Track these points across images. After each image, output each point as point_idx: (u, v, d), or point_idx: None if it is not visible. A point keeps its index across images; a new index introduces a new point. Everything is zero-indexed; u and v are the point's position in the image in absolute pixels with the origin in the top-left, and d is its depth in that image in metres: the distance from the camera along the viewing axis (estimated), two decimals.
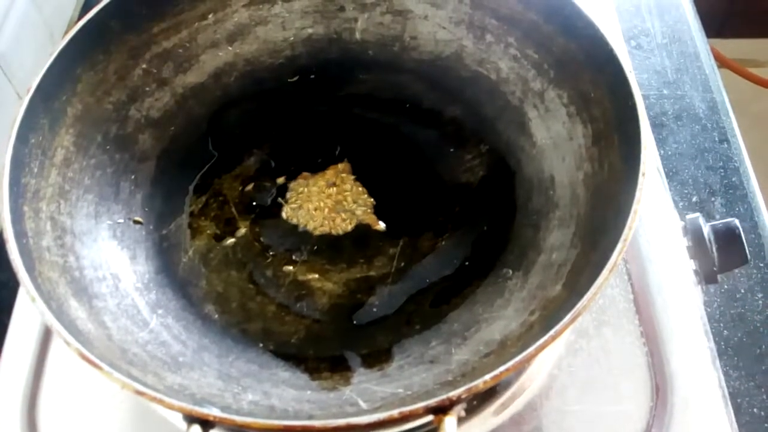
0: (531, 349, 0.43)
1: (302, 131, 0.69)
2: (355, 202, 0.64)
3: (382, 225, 0.63)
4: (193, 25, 0.67)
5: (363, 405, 0.50)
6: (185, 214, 0.64)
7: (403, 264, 0.61)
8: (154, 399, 0.42)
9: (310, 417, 0.49)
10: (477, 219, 0.63)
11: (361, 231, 0.63)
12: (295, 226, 0.63)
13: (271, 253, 0.62)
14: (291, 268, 0.61)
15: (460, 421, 0.43)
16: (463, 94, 0.68)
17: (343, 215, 0.64)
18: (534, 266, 0.57)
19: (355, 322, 0.58)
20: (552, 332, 0.43)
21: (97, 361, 0.44)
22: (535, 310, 0.53)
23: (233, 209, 0.65)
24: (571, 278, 0.52)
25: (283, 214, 0.64)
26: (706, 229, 0.62)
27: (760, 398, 0.60)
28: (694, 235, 0.62)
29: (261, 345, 0.56)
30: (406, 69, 0.70)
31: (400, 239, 0.62)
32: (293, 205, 0.64)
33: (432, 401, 0.41)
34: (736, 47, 1.43)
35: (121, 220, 0.61)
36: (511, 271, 0.58)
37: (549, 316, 0.50)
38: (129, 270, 0.58)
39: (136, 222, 0.62)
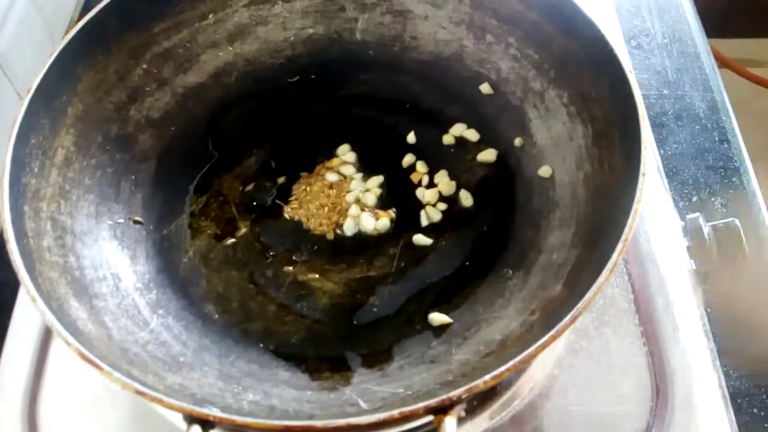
0: (531, 349, 0.43)
1: (302, 131, 0.69)
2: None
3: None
4: (193, 25, 0.67)
5: (363, 405, 0.50)
6: (186, 214, 0.64)
7: (403, 264, 0.61)
8: (154, 399, 0.42)
9: (311, 417, 0.49)
10: (477, 219, 0.63)
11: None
12: (296, 226, 0.63)
13: (271, 253, 0.62)
14: (291, 268, 0.61)
15: (461, 421, 0.43)
16: (463, 94, 0.68)
17: (343, 215, 0.64)
18: (534, 266, 0.57)
19: (355, 322, 0.58)
20: (552, 332, 0.43)
21: (97, 361, 0.44)
22: (535, 310, 0.53)
23: (233, 209, 0.65)
24: (572, 278, 0.52)
25: (285, 214, 0.64)
26: (707, 229, 0.62)
27: (760, 398, 0.60)
28: (695, 234, 0.62)
29: (261, 345, 0.56)
30: (407, 69, 0.70)
31: (401, 239, 0.62)
32: (294, 205, 0.64)
33: (432, 401, 0.41)
34: (737, 47, 1.43)
35: (122, 220, 0.61)
36: (511, 271, 0.58)
37: (549, 316, 0.50)
38: (129, 270, 0.58)
39: (136, 222, 0.62)
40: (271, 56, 0.71)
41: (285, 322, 0.58)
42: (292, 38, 0.71)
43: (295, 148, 0.68)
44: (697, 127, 0.77)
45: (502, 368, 0.42)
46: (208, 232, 0.63)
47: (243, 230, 0.63)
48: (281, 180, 0.66)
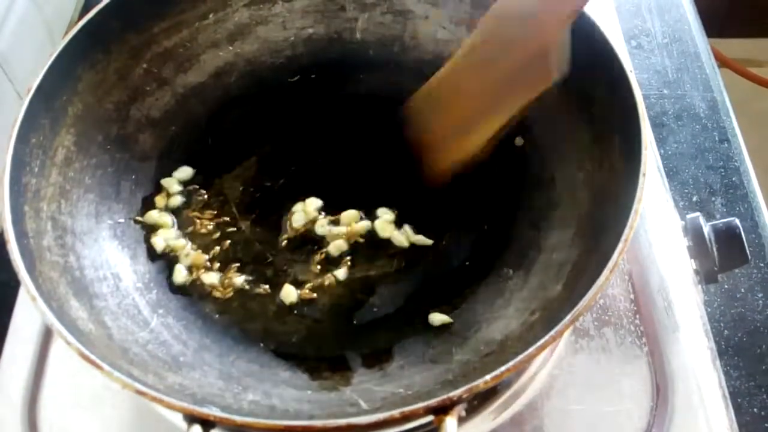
0: (532, 349, 0.43)
1: (303, 131, 0.69)
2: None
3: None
4: (193, 25, 0.67)
5: (363, 405, 0.50)
6: (185, 213, 0.64)
7: (403, 264, 0.61)
8: (154, 399, 0.42)
9: (311, 417, 0.49)
10: (477, 219, 0.62)
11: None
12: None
13: (271, 252, 0.62)
14: (291, 267, 0.61)
15: (461, 420, 0.43)
16: None
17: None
18: (534, 266, 0.57)
19: (355, 322, 0.58)
20: (553, 332, 0.43)
21: (97, 361, 0.44)
22: (535, 310, 0.53)
23: (234, 209, 0.65)
24: (572, 278, 0.52)
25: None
26: (707, 229, 0.62)
27: (760, 398, 0.60)
28: (695, 234, 0.62)
29: (261, 345, 0.56)
30: (407, 69, 0.70)
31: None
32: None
33: (432, 401, 0.41)
34: (737, 47, 1.43)
35: (122, 220, 0.61)
36: (511, 271, 0.58)
37: (550, 316, 0.50)
38: (129, 270, 0.59)
39: (136, 221, 0.62)
40: (271, 56, 0.71)
41: (285, 322, 0.58)
42: (293, 38, 0.71)
43: (295, 147, 0.68)
44: (697, 126, 0.78)
45: (503, 368, 0.42)
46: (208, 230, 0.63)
47: (243, 230, 0.63)
48: (281, 180, 0.66)
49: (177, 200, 0.64)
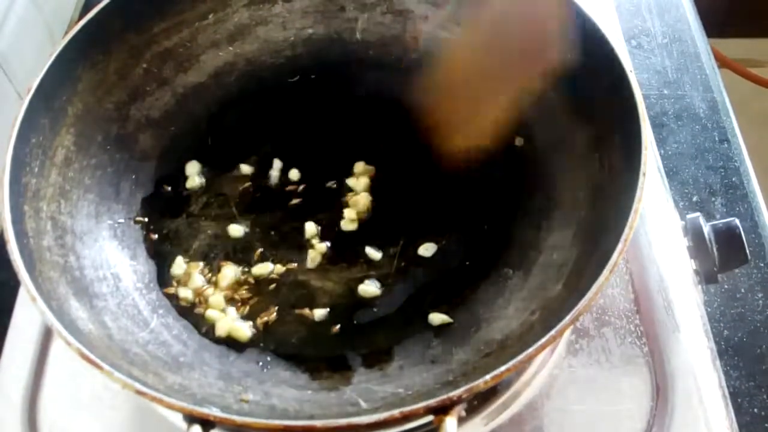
0: (531, 349, 0.43)
1: (302, 131, 0.69)
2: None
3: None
4: (193, 25, 0.67)
5: (363, 405, 0.50)
6: (186, 213, 0.64)
7: (403, 264, 0.61)
8: (154, 399, 0.42)
9: (311, 417, 0.49)
10: (477, 219, 0.63)
11: (363, 230, 0.63)
12: (296, 226, 0.63)
13: (271, 252, 0.62)
14: (291, 267, 0.61)
15: (461, 420, 0.43)
16: None
17: None
18: (534, 266, 0.57)
19: (355, 322, 0.58)
20: (552, 332, 0.43)
21: (97, 361, 0.44)
22: (535, 309, 0.53)
23: (234, 209, 0.65)
24: (572, 278, 0.52)
25: None
26: (707, 229, 0.62)
27: (760, 398, 0.60)
28: (695, 234, 0.62)
29: (262, 344, 0.56)
30: (407, 69, 0.70)
31: (401, 239, 0.62)
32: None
33: (432, 401, 0.41)
34: (737, 47, 1.43)
35: (122, 220, 0.61)
36: (511, 271, 0.58)
37: (550, 315, 0.50)
38: (129, 270, 0.59)
39: (136, 222, 0.62)
40: (271, 56, 0.71)
41: (285, 322, 0.58)
42: (292, 38, 0.71)
43: (295, 148, 0.68)
44: (697, 126, 0.78)
45: (503, 368, 0.42)
46: (209, 231, 0.63)
47: (243, 230, 0.63)
48: (281, 180, 0.66)
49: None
